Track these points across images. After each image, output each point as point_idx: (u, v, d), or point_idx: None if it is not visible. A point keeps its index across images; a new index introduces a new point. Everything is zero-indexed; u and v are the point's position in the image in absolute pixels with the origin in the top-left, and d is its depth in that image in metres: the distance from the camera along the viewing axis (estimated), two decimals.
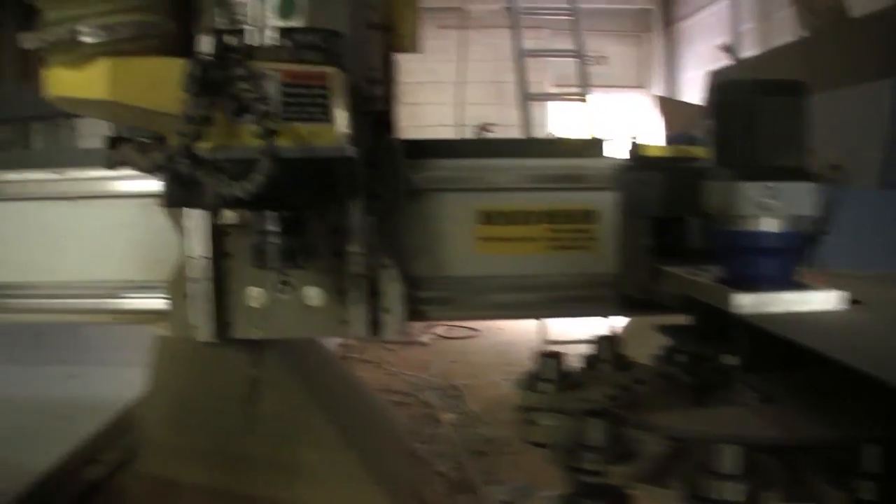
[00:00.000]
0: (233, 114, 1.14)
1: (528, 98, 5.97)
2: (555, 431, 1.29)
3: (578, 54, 6.22)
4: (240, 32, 1.20)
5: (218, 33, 1.13)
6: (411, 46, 1.54)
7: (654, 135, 8.47)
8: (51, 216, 1.70)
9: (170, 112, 1.12)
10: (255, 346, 1.67)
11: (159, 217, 1.58)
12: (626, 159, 1.61)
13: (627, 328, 4.62)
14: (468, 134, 8.51)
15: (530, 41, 6.37)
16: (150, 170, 1.20)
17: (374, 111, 1.48)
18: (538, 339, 5.63)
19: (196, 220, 1.54)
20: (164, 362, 1.72)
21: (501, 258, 1.64)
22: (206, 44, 1.12)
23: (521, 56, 6.10)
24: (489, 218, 1.62)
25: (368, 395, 2.43)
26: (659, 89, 9.20)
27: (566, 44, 6.62)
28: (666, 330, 1.42)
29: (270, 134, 1.10)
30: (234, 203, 1.17)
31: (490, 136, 8.43)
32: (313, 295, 1.56)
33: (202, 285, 1.55)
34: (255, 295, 1.57)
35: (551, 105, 8.23)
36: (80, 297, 1.69)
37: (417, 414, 4.76)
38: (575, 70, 6.23)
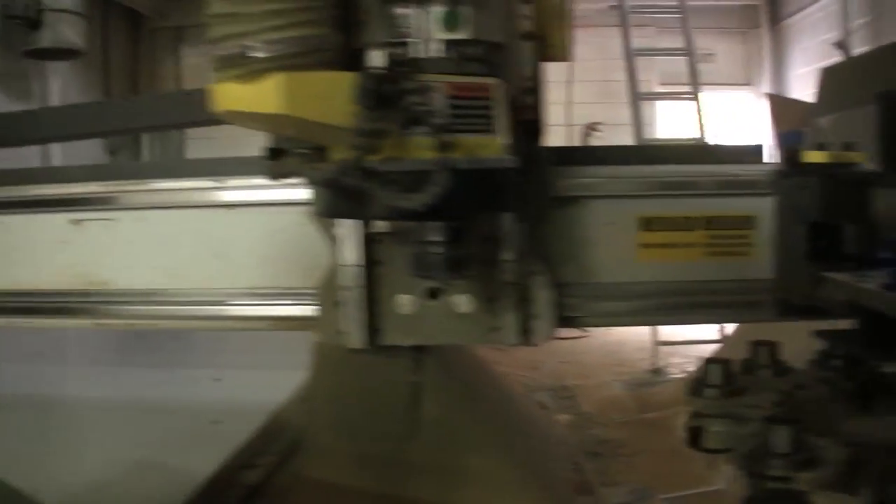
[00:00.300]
0: (401, 126, 1.13)
1: (640, 98, 5.90)
2: (727, 437, 1.26)
3: (688, 52, 6.13)
4: (406, 45, 1.20)
5: (388, 47, 1.13)
6: (562, 55, 1.52)
7: (762, 133, 8.31)
8: (210, 223, 1.74)
9: (339, 125, 1.12)
10: (414, 352, 1.67)
11: (312, 225, 1.60)
12: (784, 164, 1.58)
13: (737, 333, 4.59)
14: (576, 134, 8.41)
15: (636, 39, 6.27)
16: (319, 182, 1.20)
17: (526, 120, 1.47)
18: (648, 340, 5.60)
19: (348, 229, 1.55)
20: (324, 368, 1.74)
21: (658, 264, 1.63)
22: (376, 57, 1.12)
23: (631, 55, 6.02)
24: (649, 224, 1.60)
25: (518, 398, 2.44)
26: (766, 87, 8.99)
27: (672, 42, 6.52)
28: (824, 335, 1.40)
29: (446, 146, 1.09)
30: (402, 215, 1.17)
31: (597, 135, 8.36)
32: (463, 302, 1.55)
33: (354, 293, 1.56)
34: (404, 302, 1.57)
35: (659, 104, 8.11)
36: (237, 305, 1.72)
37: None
38: (684, 68, 6.13)
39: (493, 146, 1.20)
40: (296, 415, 2.06)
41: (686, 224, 1.61)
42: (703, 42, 7.88)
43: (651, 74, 7.85)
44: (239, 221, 1.72)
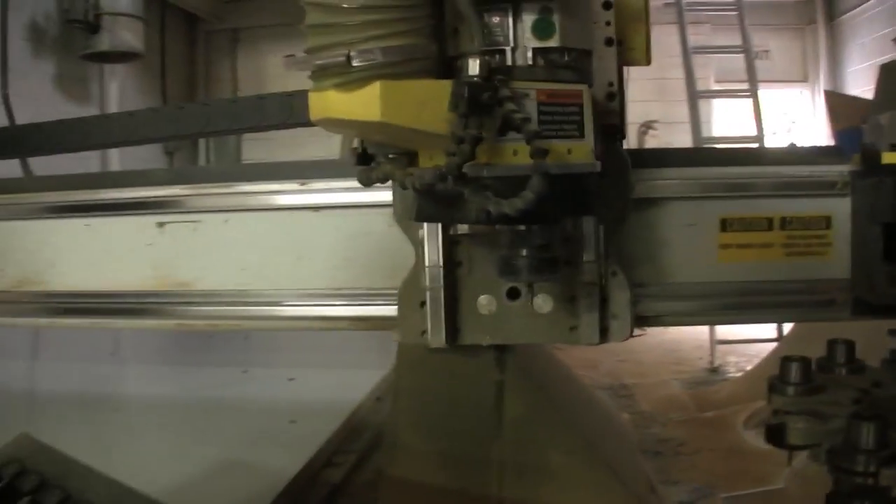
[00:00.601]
0: (497, 133, 1.16)
1: (697, 96, 5.87)
2: (811, 434, 1.28)
3: (745, 49, 6.09)
4: (501, 53, 1.23)
5: (483, 55, 1.16)
6: (643, 60, 1.55)
7: (819, 131, 8.22)
8: (294, 225, 1.79)
9: (435, 132, 1.15)
10: (497, 351, 1.70)
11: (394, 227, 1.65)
12: (861, 165, 1.60)
13: (794, 332, 4.56)
14: (634, 131, 8.41)
15: (692, 37, 6.24)
16: (416, 187, 1.23)
17: (609, 124, 1.49)
18: (706, 338, 5.57)
19: (430, 231, 1.59)
20: (407, 367, 1.77)
21: (736, 265, 1.66)
22: (472, 66, 1.15)
23: (689, 53, 6.00)
24: (728, 225, 1.63)
25: (594, 396, 2.49)
26: (823, 84, 8.90)
27: (727, 39, 6.47)
28: None
29: (542, 153, 1.11)
30: (494, 219, 1.20)
31: (653, 133, 8.33)
32: (542, 302, 1.59)
33: (436, 293, 1.60)
34: (485, 302, 1.61)
35: (716, 102, 8.06)
36: (320, 305, 1.77)
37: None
38: (740, 65, 6.09)
39: (584, 151, 1.23)
40: (374, 413, 2.11)
41: (763, 224, 1.64)
42: (758, 39, 7.81)
43: (708, 71, 7.80)
44: (322, 223, 1.77)
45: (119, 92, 7.25)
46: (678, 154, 1.77)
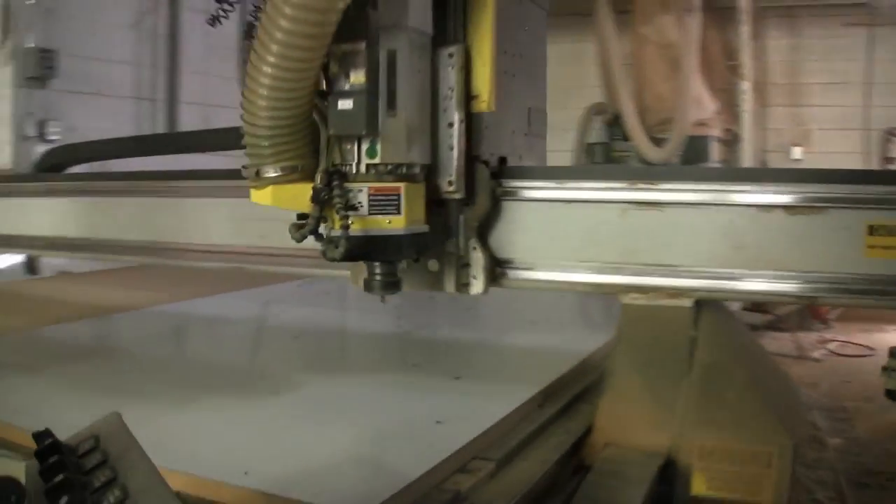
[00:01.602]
0: (338, 211, 2.05)
1: None
2: None
3: None
4: (351, 165, 2.11)
5: (329, 171, 2.06)
6: (488, 106, 2.32)
7: None
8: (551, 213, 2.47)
9: (305, 211, 2.08)
10: (695, 313, 2.33)
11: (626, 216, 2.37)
12: None
13: None
14: (874, 138, 8.43)
15: None
16: (298, 239, 2.17)
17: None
18: None
19: None
20: (628, 322, 2.42)
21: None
22: (319, 178, 2.06)
23: None
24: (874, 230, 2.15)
25: (776, 364, 2.93)
26: None
27: None
28: None
29: (346, 226, 1.99)
30: (342, 259, 2.10)
31: None
32: (431, 265, 2.43)
33: None
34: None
35: None
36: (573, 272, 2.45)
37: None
38: None
39: (401, 223, 2.09)
40: (528, 422, 2.38)
41: None
42: None
43: None
44: (571, 213, 2.45)
45: None
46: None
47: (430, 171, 2.25)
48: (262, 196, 2.11)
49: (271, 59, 1.87)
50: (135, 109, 8.85)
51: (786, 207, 2.19)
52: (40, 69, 7.59)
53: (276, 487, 1.78)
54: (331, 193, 2.03)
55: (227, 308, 4.40)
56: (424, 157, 2.21)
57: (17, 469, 1.25)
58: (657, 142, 8.31)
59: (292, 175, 2.09)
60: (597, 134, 9.82)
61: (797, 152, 9.30)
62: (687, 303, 2.30)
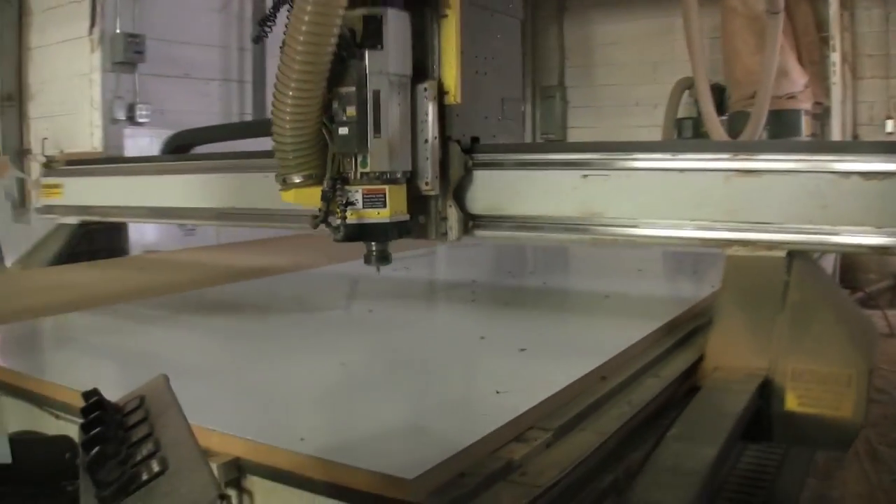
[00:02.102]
0: (340, 206, 3.10)
1: None
2: None
3: None
4: (349, 173, 3.15)
5: (332, 179, 3.16)
6: (454, 99, 3.28)
7: None
8: (661, 181, 3.21)
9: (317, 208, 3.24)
10: (787, 262, 2.96)
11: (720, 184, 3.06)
12: None
13: None
14: None
15: None
16: (314, 226, 3.34)
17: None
18: None
19: None
20: (732, 268, 3.07)
21: None
22: (326, 182, 3.16)
23: None
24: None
25: (855, 305, 3.28)
26: None
27: None
28: None
29: (345, 216, 3.05)
30: (345, 239, 3.21)
31: None
32: (422, 219, 3.62)
33: None
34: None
35: None
36: (671, 229, 3.18)
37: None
38: None
39: (386, 214, 3.12)
40: (589, 395, 2.43)
41: None
42: None
43: None
44: (673, 179, 3.16)
45: None
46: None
47: (413, 175, 3.26)
48: (288, 196, 3.18)
49: (291, 93, 2.89)
50: (223, 91, 10.13)
51: (861, 174, 2.77)
52: (129, 54, 8.75)
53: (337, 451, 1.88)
54: (335, 194, 3.08)
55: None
56: (405, 166, 3.17)
57: (74, 429, 1.44)
58: (745, 116, 9.02)
59: (309, 181, 3.13)
60: (686, 109, 10.84)
61: (890, 125, 9.86)
62: (780, 253, 2.95)
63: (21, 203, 8.77)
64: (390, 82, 3.11)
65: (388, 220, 3.19)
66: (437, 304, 4.35)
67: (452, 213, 3.44)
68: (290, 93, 2.90)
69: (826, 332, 2.80)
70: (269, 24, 3.15)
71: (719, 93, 9.90)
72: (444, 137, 3.34)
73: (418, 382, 2.69)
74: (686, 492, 1.96)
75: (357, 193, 3.15)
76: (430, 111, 3.30)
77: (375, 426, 2.12)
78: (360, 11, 3.00)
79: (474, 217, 3.50)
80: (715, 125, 8.64)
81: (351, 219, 3.12)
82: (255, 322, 3.74)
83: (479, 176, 3.47)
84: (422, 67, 3.30)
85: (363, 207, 3.15)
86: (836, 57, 9.83)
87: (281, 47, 2.84)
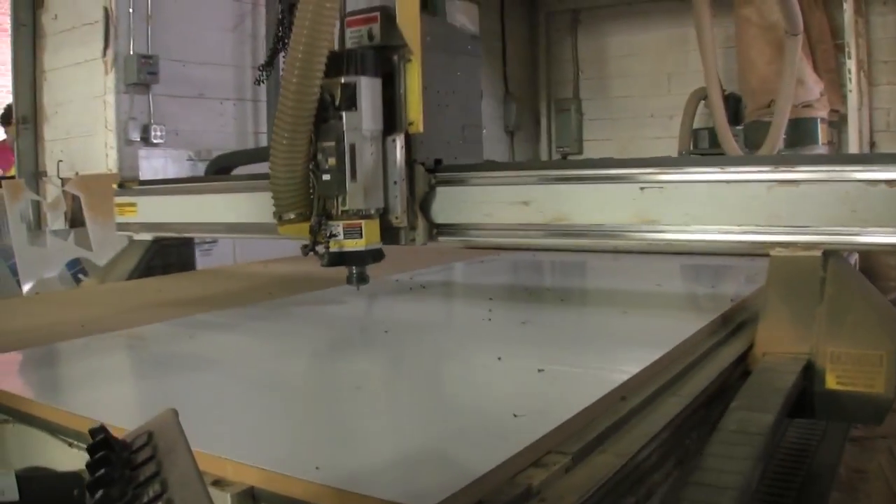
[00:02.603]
0: (326, 238, 4.19)
1: None
2: None
3: None
4: (327, 212, 4.19)
5: (319, 215, 4.23)
6: (416, 129, 4.04)
7: None
8: (710, 192, 3.61)
9: (306, 239, 4.41)
10: (823, 260, 3.39)
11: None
12: None
13: None
14: None
15: None
16: (304, 253, 4.50)
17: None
18: None
19: None
20: (775, 267, 3.54)
21: None
22: (315, 220, 4.26)
23: None
24: None
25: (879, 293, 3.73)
26: None
27: None
28: None
29: (327, 247, 4.10)
30: (329, 264, 4.31)
31: None
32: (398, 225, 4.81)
33: None
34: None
35: None
36: (726, 234, 3.58)
37: None
38: None
39: (361, 244, 4.08)
40: (611, 415, 2.45)
41: None
42: None
43: None
44: (717, 191, 3.57)
45: None
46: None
47: (385, 210, 3.99)
48: (284, 230, 4.12)
49: (283, 149, 3.86)
50: (237, 110, 10.65)
51: (887, 181, 3.14)
52: (142, 75, 9.19)
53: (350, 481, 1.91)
54: (320, 228, 3.99)
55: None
56: (378, 203, 3.89)
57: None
58: (761, 126, 9.77)
59: (300, 217, 4.03)
60: (702, 119, 11.58)
61: None
62: (817, 253, 3.35)
63: (37, 226, 9.14)
64: (363, 137, 4.05)
65: (363, 249, 4.14)
66: (453, 323, 4.75)
67: (419, 223, 4.17)
68: (282, 148, 3.92)
69: (859, 320, 3.27)
70: (267, 70, 4.18)
71: (735, 102, 10.60)
72: (411, 160, 4.10)
73: (436, 407, 2.73)
74: (754, 448, 2.38)
75: (339, 227, 4.10)
76: (399, 157, 4.23)
77: (391, 452, 2.21)
78: (338, 80, 3.96)
79: (438, 226, 4.23)
80: (727, 138, 9.17)
81: (333, 248, 4.09)
82: (264, 343, 4.08)
83: (441, 191, 4.21)
84: (391, 121, 4.24)
85: (343, 238, 4.11)
86: (851, 64, 10.42)
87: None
